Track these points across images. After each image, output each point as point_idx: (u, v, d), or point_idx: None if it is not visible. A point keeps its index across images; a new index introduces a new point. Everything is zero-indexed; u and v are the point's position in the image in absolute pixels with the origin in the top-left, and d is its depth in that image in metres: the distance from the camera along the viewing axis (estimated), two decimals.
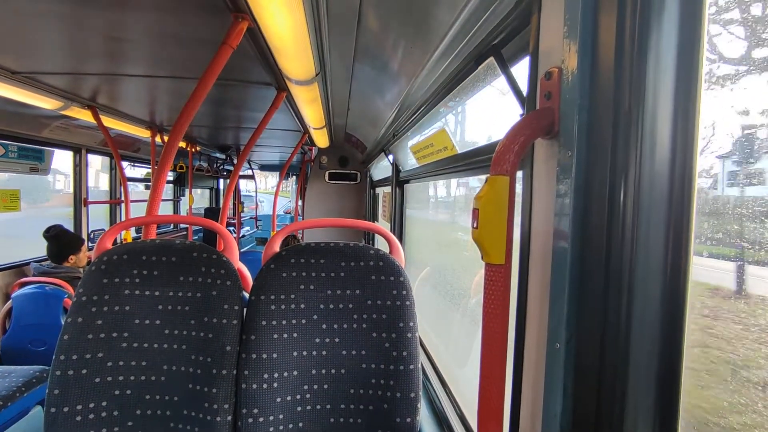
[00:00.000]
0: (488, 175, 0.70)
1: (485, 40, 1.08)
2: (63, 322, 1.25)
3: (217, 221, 1.68)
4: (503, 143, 0.69)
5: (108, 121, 3.25)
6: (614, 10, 0.60)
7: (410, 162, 2.68)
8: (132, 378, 1.25)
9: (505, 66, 1.04)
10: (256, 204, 8.49)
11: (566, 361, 0.65)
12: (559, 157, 0.68)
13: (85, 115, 3.00)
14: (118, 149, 3.86)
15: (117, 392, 1.23)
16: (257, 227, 8.46)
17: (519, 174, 0.78)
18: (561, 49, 0.68)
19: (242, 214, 7.61)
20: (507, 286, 0.69)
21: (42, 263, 3.04)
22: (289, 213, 10.79)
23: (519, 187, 0.79)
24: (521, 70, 1.05)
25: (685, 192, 0.57)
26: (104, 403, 1.21)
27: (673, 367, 0.57)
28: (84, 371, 1.21)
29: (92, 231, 4.17)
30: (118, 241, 3.70)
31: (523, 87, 0.91)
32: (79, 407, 1.19)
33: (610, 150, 0.61)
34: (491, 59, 1.07)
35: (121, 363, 1.24)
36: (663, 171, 0.57)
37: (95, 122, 3.06)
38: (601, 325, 0.62)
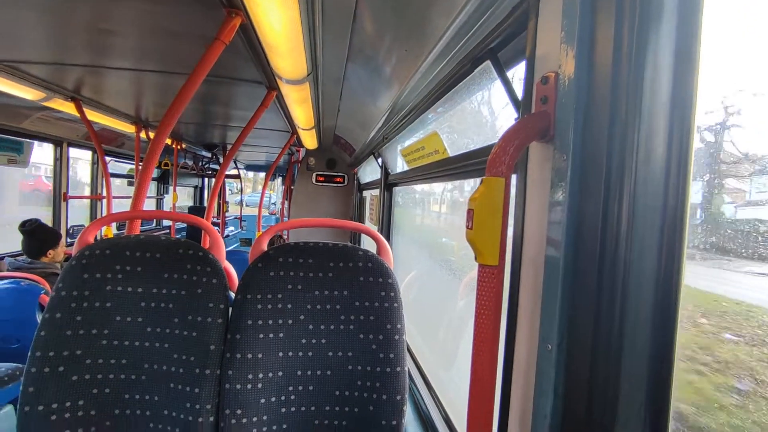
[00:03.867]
0: (483, 177, 0.70)
1: (481, 43, 1.09)
2: (38, 319, 1.21)
3: None
4: (499, 145, 0.69)
5: (92, 115, 3.17)
6: (612, 17, 0.61)
7: (400, 165, 2.68)
8: (111, 376, 1.21)
9: (501, 70, 1.05)
10: (242, 202, 8.40)
11: (557, 363, 0.66)
12: (554, 160, 0.69)
13: (68, 108, 2.93)
14: (102, 144, 3.78)
15: (95, 391, 1.19)
16: (242, 227, 8.37)
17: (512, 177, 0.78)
18: (558, 54, 0.69)
19: (226, 214, 7.51)
20: (500, 286, 0.69)
21: (17, 258, 2.95)
22: (275, 214, 10.70)
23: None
24: (516, 74, 1.07)
25: (679, 198, 0.57)
26: (81, 402, 1.18)
27: (664, 369, 0.58)
28: (61, 369, 1.17)
29: (71, 227, 4.06)
30: (98, 238, 3.61)
31: (518, 91, 0.92)
32: (54, 406, 1.15)
33: (606, 155, 0.62)
34: (487, 63, 1.08)
35: (100, 361, 1.21)
36: (658, 177, 0.58)
37: (78, 115, 2.99)
38: (593, 328, 0.63)
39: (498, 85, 1.08)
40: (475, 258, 0.71)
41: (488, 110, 1.54)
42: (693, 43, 0.57)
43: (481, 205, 0.69)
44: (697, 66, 0.57)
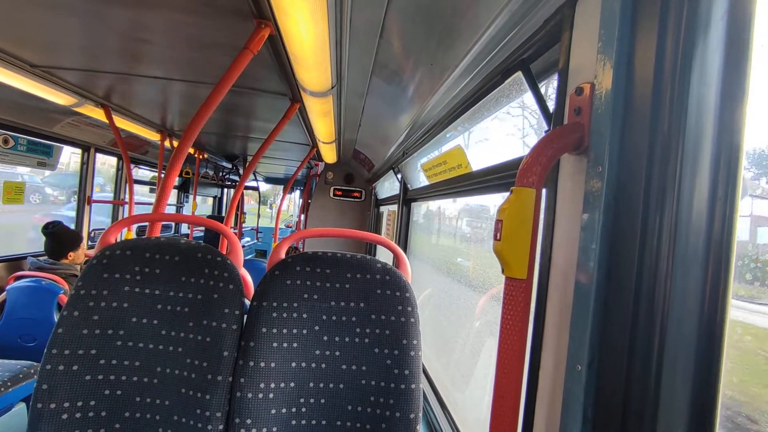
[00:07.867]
0: (512, 187, 0.68)
1: (512, 55, 1.08)
2: (56, 319, 1.21)
3: None
4: (530, 156, 0.67)
5: (119, 122, 3.26)
6: (654, 27, 0.59)
7: (420, 180, 2.67)
8: (124, 378, 1.20)
9: (533, 81, 1.03)
10: (259, 213, 8.49)
11: (587, 385, 0.62)
12: (588, 172, 0.66)
13: (97, 114, 3.02)
14: (127, 150, 3.88)
15: (107, 392, 1.18)
16: (258, 239, 8.43)
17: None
18: (594, 65, 0.68)
19: (243, 225, 7.59)
20: (527, 301, 0.66)
21: (39, 258, 3.01)
22: (291, 227, 10.77)
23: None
24: (545, 88, 1.05)
25: (726, 222, 0.54)
26: (92, 403, 1.17)
27: (707, 403, 0.54)
28: (75, 367, 1.16)
29: (93, 230, 4.14)
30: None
31: (549, 104, 0.90)
32: (66, 405, 1.14)
33: (645, 168, 0.59)
34: (518, 74, 1.07)
35: (114, 362, 1.20)
36: (703, 197, 0.55)
37: (107, 121, 3.08)
38: (628, 351, 0.59)
39: (524, 99, 1.07)
40: (502, 270, 0.69)
41: (518, 123, 1.53)
42: (743, 57, 0.54)
43: (510, 215, 0.67)
44: (747, 80, 0.54)
